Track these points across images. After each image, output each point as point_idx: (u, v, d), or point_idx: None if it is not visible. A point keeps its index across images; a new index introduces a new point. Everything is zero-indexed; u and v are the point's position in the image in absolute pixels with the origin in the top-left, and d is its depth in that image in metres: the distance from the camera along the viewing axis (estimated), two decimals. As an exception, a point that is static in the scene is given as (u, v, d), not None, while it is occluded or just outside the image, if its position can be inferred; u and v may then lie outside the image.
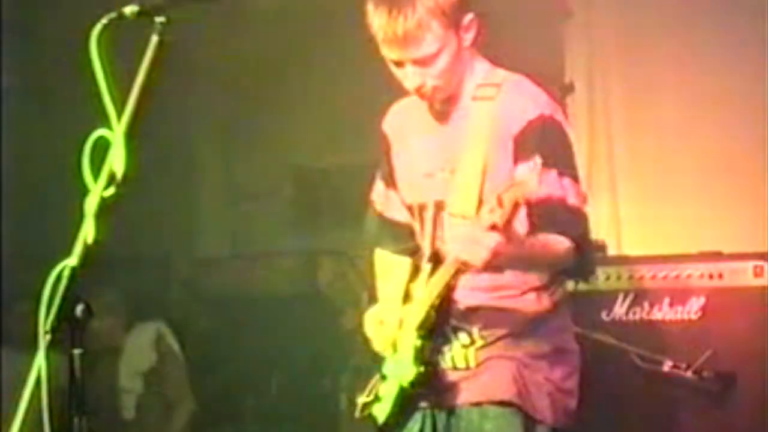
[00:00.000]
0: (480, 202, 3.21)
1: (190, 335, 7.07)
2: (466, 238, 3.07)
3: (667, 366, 4.58)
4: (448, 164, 3.42)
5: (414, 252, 3.59)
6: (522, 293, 3.42)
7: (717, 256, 4.75)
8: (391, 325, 3.49)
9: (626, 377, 4.64)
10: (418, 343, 3.38)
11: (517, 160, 3.28)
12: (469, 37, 3.37)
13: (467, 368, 3.41)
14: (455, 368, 3.42)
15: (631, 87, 6.03)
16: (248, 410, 7.18)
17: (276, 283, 7.34)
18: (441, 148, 3.45)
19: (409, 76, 3.36)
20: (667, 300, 4.70)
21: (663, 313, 4.70)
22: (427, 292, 3.37)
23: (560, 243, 3.26)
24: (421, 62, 3.32)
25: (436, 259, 3.39)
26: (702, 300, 4.64)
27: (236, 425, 7.12)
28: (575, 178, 3.31)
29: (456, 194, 3.37)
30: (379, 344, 3.55)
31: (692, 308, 4.66)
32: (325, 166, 7.51)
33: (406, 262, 3.59)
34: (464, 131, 3.39)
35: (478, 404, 3.38)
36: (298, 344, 6.90)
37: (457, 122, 3.43)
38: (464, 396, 3.40)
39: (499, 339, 3.40)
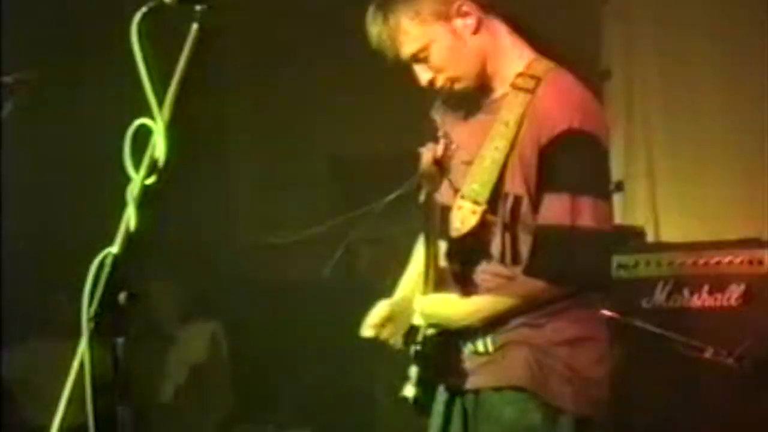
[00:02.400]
0: (493, 194, 3.32)
1: (226, 325, 7.09)
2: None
3: (708, 353, 4.56)
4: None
5: None
6: None
7: (757, 242, 4.73)
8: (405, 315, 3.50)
9: (667, 364, 4.63)
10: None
11: (541, 176, 3.31)
12: (469, 23, 3.39)
13: (487, 353, 3.41)
14: (476, 353, 3.43)
15: (668, 71, 6.00)
16: (285, 399, 7.20)
17: (313, 271, 7.35)
18: (476, 136, 3.45)
19: (418, 73, 3.43)
20: (706, 287, 4.69)
21: (703, 300, 4.69)
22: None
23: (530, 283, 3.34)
24: (415, 60, 3.40)
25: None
26: (742, 287, 4.62)
27: (272, 414, 7.14)
28: (597, 196, 3.32)
29: (472, 178, 3.39)
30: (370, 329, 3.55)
31: (732, 295, 4.64)
32: (362, 156, 7.50)
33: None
34: (497, 119, 3.39)
35: (498, 389, 3.39)
36: (336, 332, 6.89)
37: (492, 112, 3.43)
38: (485, 380, 3.41)
39: (518, 326, 3.39)
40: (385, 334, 3.52)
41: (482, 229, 3.36)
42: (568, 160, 3.29)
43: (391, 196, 3.49)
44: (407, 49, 3.39)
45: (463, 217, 3.37)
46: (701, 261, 4.71)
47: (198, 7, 2.60)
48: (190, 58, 2.61)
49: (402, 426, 3.63)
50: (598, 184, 3.37)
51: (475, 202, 3.35)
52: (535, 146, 3.31)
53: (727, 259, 4.68)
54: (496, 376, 3.40)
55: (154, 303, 6.85)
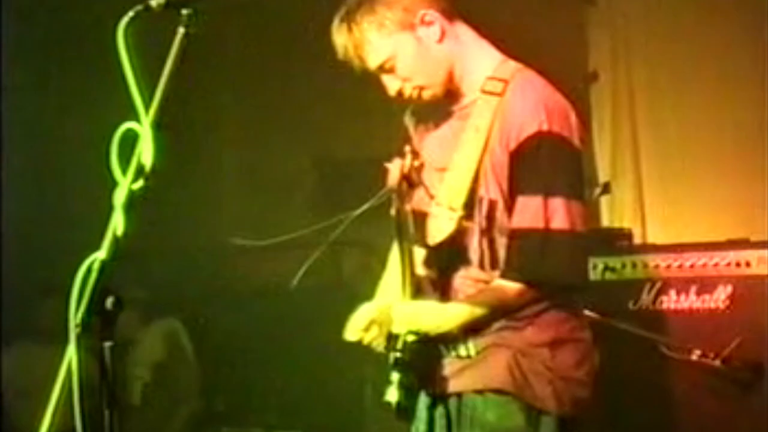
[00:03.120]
0: (468, 200, 3.34)
1: (213, 327, 7.08)
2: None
3: (695, 355, 4.56)
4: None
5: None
6: None
7: (744, 243, 4.72)
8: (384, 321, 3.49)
9: (654, 366, 4.63)
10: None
11: (512, 179, 3.33)
12: (433, 32, 3.41)
13: (468, 357, 3.42)
14: (458, 357, 3.44)
15: (655, 73, 6.00)
16: (272, 402, 7.19)
17: (297, 273, 7.33)
18: (448, 143, 3.48)
19: (386, 83, 3.46)
20: (694, 289, 4.68)
21: (690, 302, 4.69)
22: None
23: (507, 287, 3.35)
24: (382, 70, 3.43)
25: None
26: (729, 288, 4.62)
27: (261, 415, 7.13)
28: (570, 197, 3.33)
29: (446, 185, 3.41)
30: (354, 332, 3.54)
31: (720, 297, 4.64)
32: (349, 157, 7.50)
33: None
34: (468, 125, 3.42)
35: (480, 392, 3.40)
36: (322, 335, 6.89)
37: (463, 118, 3.45)
38: (467, 383, 3.42)
39: (499, 329, 3.40)
40: (368, 338, 3.51)
41: (459, 235, 3.38)
42: (539, 163, 3.31)
43: (358, 212, 3.48)
44: (373, 60, 3.41)
45: (440, 225, 3.40)
46: (688, 263, 4.71)
47: (184, 12, 2.61)
48: (176, 63, 2.61)
49: (390, 428, 3.63)
50: (571, 185, 3.36)
51: (451, 209, 3.38)
52: (505, 150, 3.34)
53: (714, 261, 4.67)
54: (477, 380, 3.41)
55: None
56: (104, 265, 2.47)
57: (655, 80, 6.01)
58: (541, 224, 3.30)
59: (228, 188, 7.98)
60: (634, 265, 4.78)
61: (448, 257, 3.44)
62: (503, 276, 3.36)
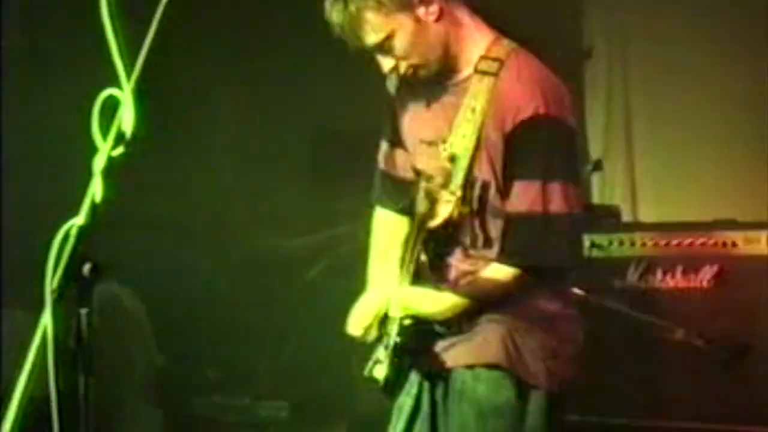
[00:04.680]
0: (465, 181, 3.32)
1: (206, 298, 7.08)
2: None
3: (679, 334, 4.56)
4: (444, 136, 3.42)
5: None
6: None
7: (731, 224, 4.72)
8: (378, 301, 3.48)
9: (638, 345, 4.64)
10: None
11: (508, 163, 3.32)
12: (432, 11, 3.37)
13: (461, 332, 3.42)
14: (451, 332, 3.43)
15: (649, 51, 6.00)
16: (262, 373, 7.19)
17: (292, 245, 7.34)
18: (438, 118, 3.46)
19: (380, 61, 3.42)
20: (680, 268, 4.68)
21: (676, 281, 4.68)
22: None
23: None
24: (378, 49, 3.38)
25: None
26: (715, 268, 4.62)
27: (249, 385, 7.14)
28: (567, 180, 3.32)
29: (444, 167, 3.39)
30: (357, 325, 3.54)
31: (705, 276, 4.63)
32: (346, 128, 7.48)
33: (405, 221, 3.60)
34: (463, 104, 3.39)
35: (471, 367, 3.39)
36: (312, 307, 6.89)
37: (456, 94, 3.43)
38: (458, 358, 3.41)
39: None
40: (371, 337, 3.49)
41: (457, 217, 3.37)
42: (536, 147, 3.30)
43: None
44: (370, 40, 3.36)
45: (438, 207, 3.38)
46: (675, 241, 4.71)
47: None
48: (159, 28, 2.60)
49: (379, 399, 3.63)
50: (568, 168, 3.36)
51: (451, 192, 3.35)
52: (499, 132, 3.32)
53: (701, 240, 4.67)
54: (470, 355, 3.40)
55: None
56: (82, 231, 2.46)
57: (649, 59, 6.00)
58: (539, 208, 3.29)
59: (223, 160, 7.96)
60: (621, 243, 4.77)
61: (444, 239, 3.43)
62: (501, 260, 3.36)
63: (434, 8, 3.38)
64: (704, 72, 5.77)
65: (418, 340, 3.43)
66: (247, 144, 7.77)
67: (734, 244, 4.61)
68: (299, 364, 7.06)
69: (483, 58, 3.39)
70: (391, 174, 3.67)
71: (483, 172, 3.35)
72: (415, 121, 3.54)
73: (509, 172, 3.33)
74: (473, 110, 3.36)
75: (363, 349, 3.64)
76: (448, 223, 3.37)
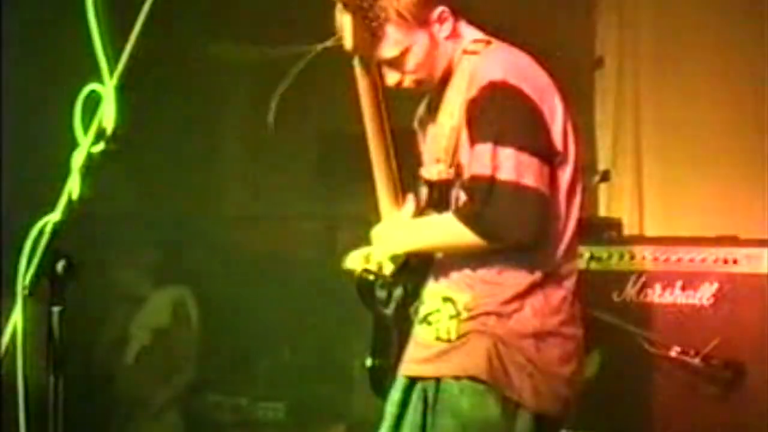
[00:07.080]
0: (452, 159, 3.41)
1: (209, 295, 7.08)
2: None
3: (674, 351, 4.51)
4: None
5: None
6: (505, 271, 3.41)
7: (733, 240, 4.67)
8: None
9: (633, 360, 4.58)
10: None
11: (469, 128, 3.37)
12: (445, 28, 3.45)
13: (449, 341, 3.40)
14: (438, 339, 3.42)
15: (661, 62, 5.95)
16: (260, 372, 7.19)
17: (295, 246, 7.34)
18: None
19: (385, 75, 3.46)
20: (679, 283, 4.62)
21: (675, 297, 4.63)
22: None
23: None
24: (389, 63, 3.43)
25: None
26: (715, 285, 4.56)
27: (247, 386, 7.13)
28: (520, 149, 3.29)
29: (437, 146, 3.48)
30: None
31: (705, 293, 4.58)
32: (352, 132, 7.46)
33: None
34: (449, 86, 3.48)
35: (458, 378, 3.37)
36: (315, 308, 6.88)
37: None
38: (445, 368, 3.39)
39: (482, 314, 3.38)
40: (372, 265, 3.62)
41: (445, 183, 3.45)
42: (490, 111, 3.32)
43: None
44: (388, 53, 3.41)
45: (430, 170, 3.52)
46: (675, 257, 4.65)
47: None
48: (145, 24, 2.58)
49: (377, 402, 3.62)
50: (523, 137, 3.32)
51: (437, 160, 3.46)
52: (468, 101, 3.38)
53: (701, 256, 4.61)
54: (455, 365, 3.38)
55: (126, 266, 6.90)
56: (57, 228, 2.44)
57: (660, 70, 5.96)
58: (488, 172, 3.29)
59: (229, 156, 7.96)
60: (621, 256, 4.72)
61: (440, 200, 3.49)
62: (454, 213, 3.39)
63: (447, 26, 3.46)
64: (715, 87, 5.72)
65: (404, 325, 3.55)
66: (254, 144, 7.77)
67: (735, 262, 4.55)
68: (297, 365, 7.06)
69: (473, 42, 3.48)
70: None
71: (461, 141, 3.38)
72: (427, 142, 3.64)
73: (470, 136, 3.36)
74: (459, 90, 3.41)
75: (362, 351, 3.67)
76: (440, 187, 3.45)
